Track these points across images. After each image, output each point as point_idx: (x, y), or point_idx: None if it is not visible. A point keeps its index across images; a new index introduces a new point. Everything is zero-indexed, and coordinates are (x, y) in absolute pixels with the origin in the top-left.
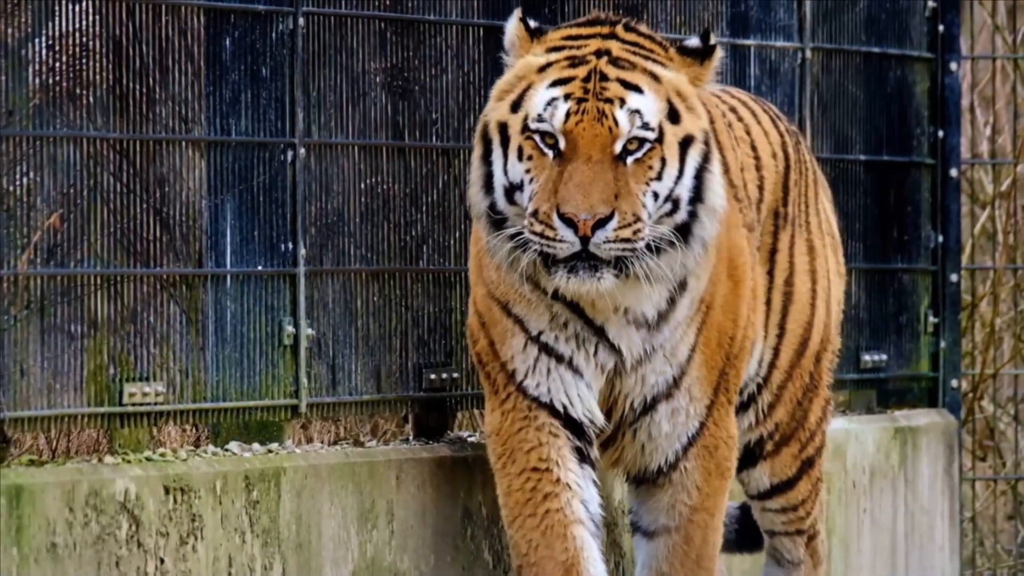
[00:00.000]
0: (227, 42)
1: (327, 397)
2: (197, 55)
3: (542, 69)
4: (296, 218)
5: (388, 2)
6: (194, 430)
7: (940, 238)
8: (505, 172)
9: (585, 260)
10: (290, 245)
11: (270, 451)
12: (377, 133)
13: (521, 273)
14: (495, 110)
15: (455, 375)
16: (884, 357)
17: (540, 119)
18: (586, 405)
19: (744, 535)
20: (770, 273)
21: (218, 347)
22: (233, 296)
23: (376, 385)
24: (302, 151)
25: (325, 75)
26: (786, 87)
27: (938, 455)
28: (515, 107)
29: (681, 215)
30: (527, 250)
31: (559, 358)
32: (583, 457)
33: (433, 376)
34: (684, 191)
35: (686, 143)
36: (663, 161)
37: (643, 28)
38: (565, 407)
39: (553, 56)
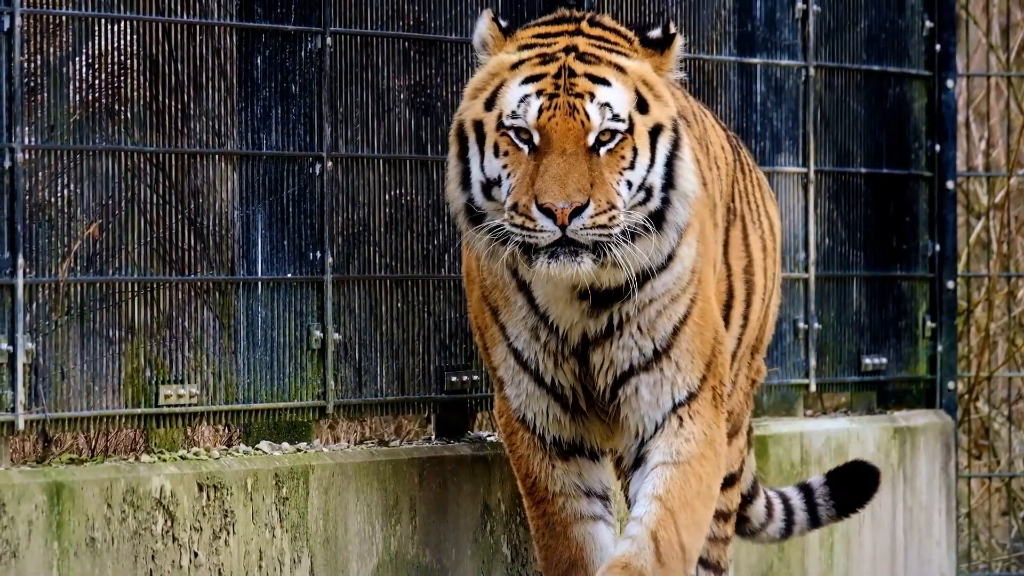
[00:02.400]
0: (258, 60)
1: (353, 398)
2: (230, 73)
3: (514, 67)
4: (324, 228)
5: (412, 22)
6: (226, 430)
7: (937, 247)
8: (482, 168)
9: (565, 246)
10: (318, 253)
11: (299, 450)
12: (401, 147)
13: (502, 264)
14: (469, 108)
15: (475, 377)
16: (884, 360)
17: (514, 115)
18: (547, 421)
19: (841, 500)
20: (727, 263)
21: (249, 351)
22: (264, 302)
23: (400, 387)
24: (329, 164)
25: (352, 92)
26: (791, 103)
27: (935, 454)
28: (489, 105)
29: (655, 202)
30: (508, 242)
31: (525, 367)
32: (575, 449)
33: (454, 378)
34: (656, 179)
35: (656, 132)
36: (635, 151)
37: (607, 21)
38: (533, 420)
39: (525, 54)
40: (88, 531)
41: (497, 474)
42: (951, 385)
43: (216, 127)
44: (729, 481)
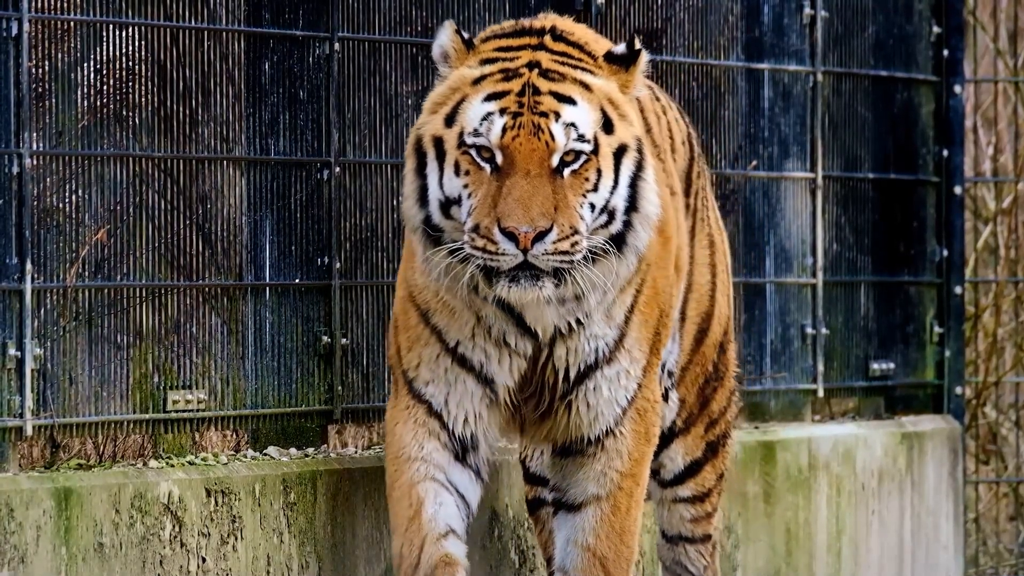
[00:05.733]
0: (266, 66)
1: (360, 404)
2: (238, 78)
3: (476, 82)
4: (331, 233)
5: (420, 28)
6: (234, 435)
7: (945, 252)
8: (441, 186)
9: (527, 270)
10: (326, 259)
11: (306, 455)
12: None
13: (463, 286)
14: (429, 123)
15: None
16: (892, 365)
17: (476, 133)
18: (479, 426)
19: None
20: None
21: (257, 356)
22: (271, 308)
23: None
24: (337, 170)
25: (359, 97)
26: (798, 109)
27: (943, 459)
28: (449, 121)
29: (616, 225)
30: (468, 263)
31: (469, 369)
32: (460, 459)
33: None
34: (620, 201)
35: (620, 152)
36: (599, 172)
37: (571, 35)
38: (454, 422)
39: (487, 68)
40: (96, 536)
41: (504, 479)
42: (959, 390)
43: (224, 133)
44: (696, 467)
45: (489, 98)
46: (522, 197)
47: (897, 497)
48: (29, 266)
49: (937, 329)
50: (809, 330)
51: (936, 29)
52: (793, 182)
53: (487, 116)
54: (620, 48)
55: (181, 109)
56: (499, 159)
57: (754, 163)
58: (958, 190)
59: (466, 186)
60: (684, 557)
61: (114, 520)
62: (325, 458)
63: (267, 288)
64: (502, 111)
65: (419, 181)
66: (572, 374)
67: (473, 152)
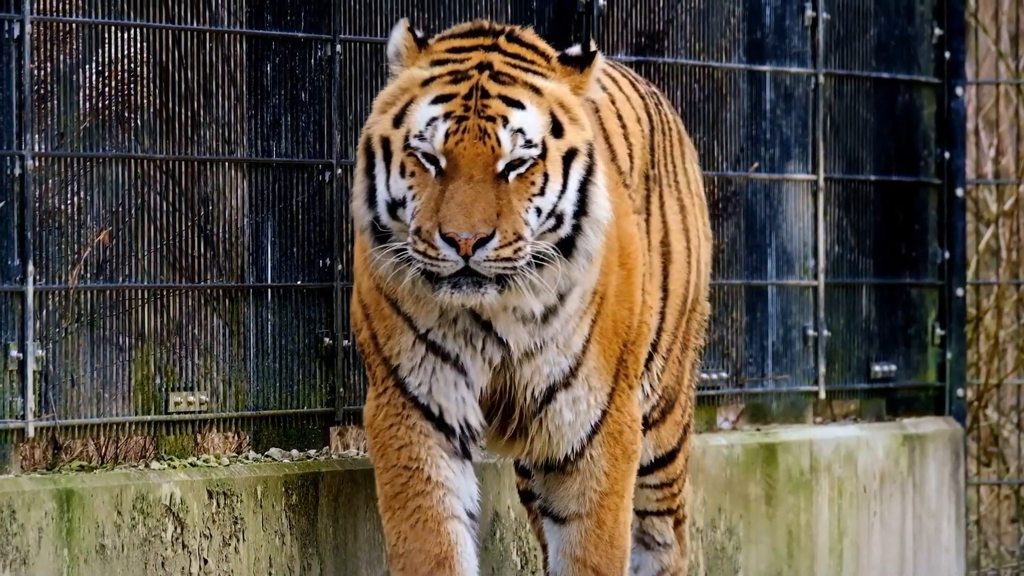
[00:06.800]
0: (268, 68)
1: (362, 405)
2: (239, 80)
3: (425, 83)
4: (333, 235)
5: (422, 29)
6: (236, 437)
7: (946, 254)
8: (388, 187)
9: (469, 276)
10: (327, 261)
11: (308, 457)
12: None
13: (405, 288)
14: (378, 123)
15: None
16: (893, 367)
17: (421, 137)
18: (462, 410)
19: None
20: (646, 235)
21: (259, 358)
22: (273, 309)
23: None
24: (339, 171)
25: (361, 99)
26: (800, 111)
27: (944, 461)
28: (397, 122)
29: (565, 229)
30: (411, 266)
31: (445, 357)
32: (460, 452)
33: None
34: (568, 205)
35: (570, 156)
36: (546, 176)
37: (527, 36)
38: (441, 411)
39: (436, 70)
40: (98, 538)
41: (507, 481)
42: (960, 392)
43: (226, 134)
44: (669, 457)
45: (436, 101)
46: (464, 202)
47: (899, 499)
48: (31, 267)
49: (939, 331)
50: (811, 332)
51: (938, 31)
52: (795, 184)
53: (432, 121)
54: (575, 50)
55: (183, 111)
56: (443, 163)
57: (756, 165)
58: (960, 192)
59: (411, 187)
60: (652, 528)
61: (116, 522)
62: (327, 460)
63: (269, 290)
64: (446, 115)
65: (368, 181)
66: (536, 393)
67: (418, 154)
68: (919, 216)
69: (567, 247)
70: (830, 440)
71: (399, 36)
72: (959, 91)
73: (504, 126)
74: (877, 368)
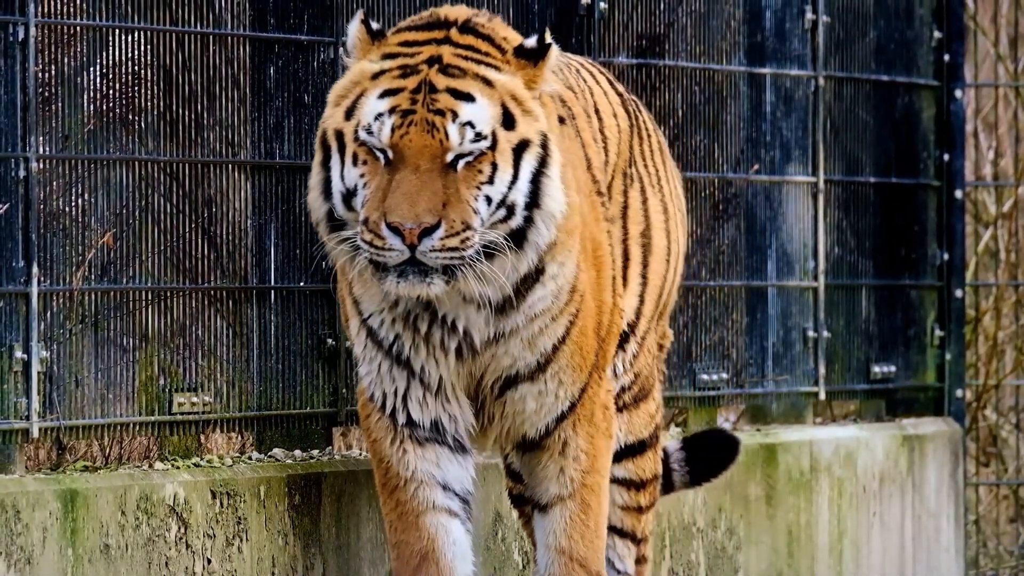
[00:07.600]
0: (271, 70)
1: None
2: (243, 82)
3: (375, 76)
4: None
5: None
6: (239, 437)
7: (946, 256)
8: (342, 178)
9: (414, 265)
10: (330, 263)
11: (311, 457)
12: None
13: (358, 274)
14: (331, 116)
15: None
16: (893, 368)
17: (369, 131)
18: (398, 401)
19: (696, 468)
20: (625, 227)
21: (262, 359)
22: (276, 311)
23: None
24: None
25: None
26: (800, 113)
27: (944, 461)
28: (349, 114)
29: (516, 220)
30: (360, 254)
31: (380, 344)
32: (436, 439)
33: None
34: (520, 196)
35: (521, 148)
36: (494, 166)
37: (484, 26)
38: (394, 408)
39: (387, 64)
40: (102, 538)
41: (508, 481)
42: (959, 393)
43: (229, 137)
44: (639, 448)
45: (384, 95)
46: (409, 192)
47: (898, 499)
48: (35, 269)
49: (938, 332)
50: (811, 333)
51: (937, 34)
52: (795, 186)
53: (379, 116)
54: (531, 41)
55: (186, 113)
56: (390, 155)
57: (756, 167)
58: (959, 194)
59: (362, 175)
60: (612, 549)
61: (120, 522)
62: (329, 460)
63: (272, 291)
64: (392, 110)
65: (324, 173)
66: (494, 384)
67: (368, 146)
68: (918, 218)
69: (518, 239)
70: (830, 441)
71: (353, 28)
72: (958, 94)
73: (453, 120)
74: (877, 369)
